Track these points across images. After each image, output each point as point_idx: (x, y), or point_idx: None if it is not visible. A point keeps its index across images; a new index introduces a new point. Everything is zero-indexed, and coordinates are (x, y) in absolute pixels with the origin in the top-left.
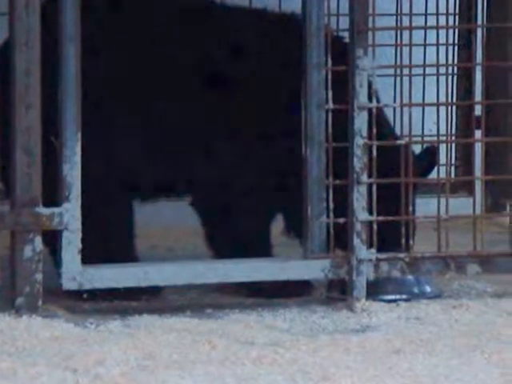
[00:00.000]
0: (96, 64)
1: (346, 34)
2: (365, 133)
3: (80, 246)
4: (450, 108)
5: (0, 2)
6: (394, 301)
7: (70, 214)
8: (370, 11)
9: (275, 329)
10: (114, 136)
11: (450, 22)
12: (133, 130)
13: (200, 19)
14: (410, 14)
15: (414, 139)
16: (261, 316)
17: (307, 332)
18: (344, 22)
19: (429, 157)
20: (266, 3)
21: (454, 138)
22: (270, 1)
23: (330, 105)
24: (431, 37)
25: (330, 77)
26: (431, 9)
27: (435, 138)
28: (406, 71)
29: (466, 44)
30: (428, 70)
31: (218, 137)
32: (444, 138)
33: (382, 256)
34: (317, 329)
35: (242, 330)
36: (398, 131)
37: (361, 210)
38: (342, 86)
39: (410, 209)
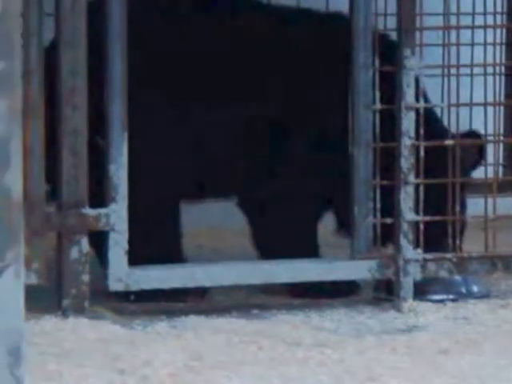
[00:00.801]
0: (147, 65)
1: (393, 34)
2: (412, 133)
3: (126, 246)
4: (497, 107)
5: (46, 2)
6: (441, 301)
7: (117, 215)
8: (418, 11)
9: (322, 329)
10: (162, 136)
11: (498, 21)
12: (181, 130)
13: (250, 20)
14: (458, 14)
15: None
16: (307, 317)
17: (354, 332)
18: (391, 22)
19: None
20: (312, 3)
21: (501, 137)
22: (317, 1)
23: (378, 105)
24: (479, 36)
25: (377, 77)
26: (479, 8)
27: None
28: (453, 71)
29: None
30: (475, 70)
31: (266, 137)
32: (491, 138)
33: (429, 256)
34: (363, 329)
35: (289, 331)
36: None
37: (407, 210)
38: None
39: (458, 209)
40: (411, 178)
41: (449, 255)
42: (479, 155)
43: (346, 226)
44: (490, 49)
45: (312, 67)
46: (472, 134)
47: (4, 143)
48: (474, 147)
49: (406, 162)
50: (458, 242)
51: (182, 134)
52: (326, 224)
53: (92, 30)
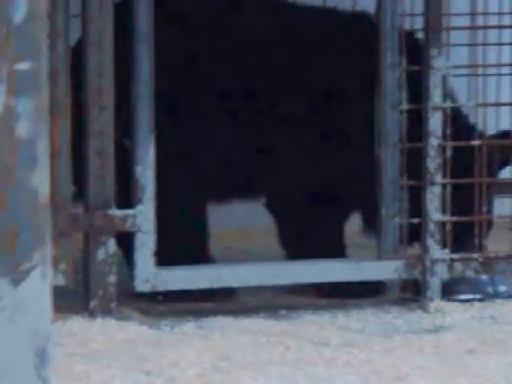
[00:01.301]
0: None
1: (420, 34)
2: (439, 133)
3: (153, 247)
4: None
5: (73, 3)
6: (468, 301)
7: (144, 216)
8: (445, 11)
9: (349, 329)
10: (189, 137)
11: None
12: (208, 131)
13: (274, 19)
14: (485, 13)
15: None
16: (334, 317)
17: (381, 332)
18: (418, 22)
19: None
20: (339, 2)
21: None
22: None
23: (405, 105)
24: (505, 36)
25: (404, 77)
26: (506, 8)
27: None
28: (480, 71)
29: None
30: (502, 70)
31: (293, 137)
32: None
33: (456, 256)
34: (390, 329)
35: (316, 331)
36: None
37: (434, 210)
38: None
39: (484, 208)
40: (438, 178)
41: (475, 255)
42: (508, 156)
43: (372, 226)
44: None
45: (336, 66)
46: (505, 135)
47: (31, 144)
48: (503, 147)
49: (433, 162)
50: (483, 241)
51: (209, 133)
52: (353, 224)
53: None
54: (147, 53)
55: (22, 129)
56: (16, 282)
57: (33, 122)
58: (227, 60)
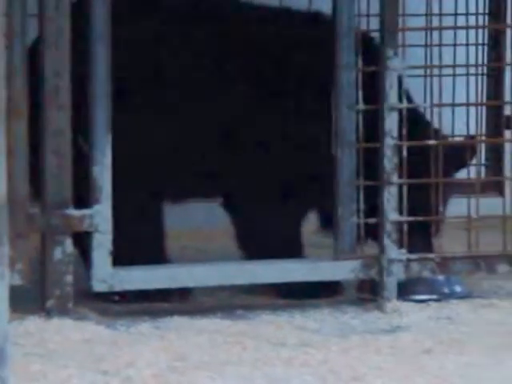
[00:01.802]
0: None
1: (376, 35)
2: (395, 133)
3: (110, 247)
4: (479, 108)
5: (30, 3)
6: (425, 301)
7: (101, 216)
8: (400, 11)
9: (306, 330)
10: (143, 136)
11: (480, 22)
12: (163, 131)
13: (230, 21)
14: (440, 14)
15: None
16: (291, 317)
17: (338, 332)
18: (374, 23)
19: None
20: (295, 3)
21: (483, 138)
22: (299, 1)
23: (361, 105)
24: (461, 37)
25: (360, 77)
26: (461, 9)
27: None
28: (435, 71)
29: (495, 44)
30: (458, 70)
31: (249, 137)
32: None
33: (413, 256)
34: (347, 329)
35: (273, 331)
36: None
37: (391, 210)
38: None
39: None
40: (394, 178)
41: (432, 255)
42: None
43: (329, 224)
44: (472, 49)
45: (294, 68)
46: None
47: None
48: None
49: (390, 162)
50: (438, 242)
51: (164, 133)
52: (310, 224)
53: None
54: (104, 52)
55: None
56: None
57: None
58: (185, 57)
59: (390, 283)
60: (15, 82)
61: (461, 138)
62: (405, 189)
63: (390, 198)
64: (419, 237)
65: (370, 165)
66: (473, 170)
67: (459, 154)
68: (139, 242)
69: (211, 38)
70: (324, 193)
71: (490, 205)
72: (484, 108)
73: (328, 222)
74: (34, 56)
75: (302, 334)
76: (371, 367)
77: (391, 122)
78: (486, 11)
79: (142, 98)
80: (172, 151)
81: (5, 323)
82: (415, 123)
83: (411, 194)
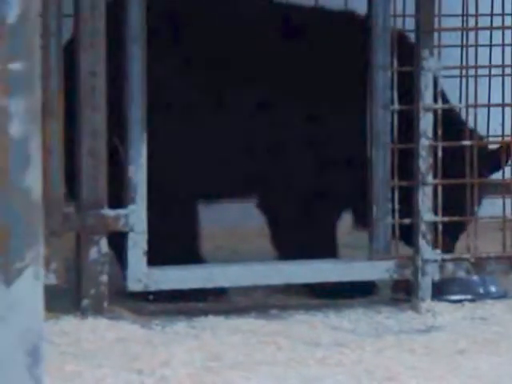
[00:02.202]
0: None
1: (411, 35)
2: (430, 134)
3: (145, 247)
4: None
5: (65, 3)
6: (459, 301)
7: (136, 216)
8: (436, 12)
9: (340, 329)
10: (180, 137)
11: None
12: (200, 131)
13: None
14: (476, 15)
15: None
16: (326, 317)
17: (372, 332)
18: (410, 23)
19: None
20: (331, 3)
21: None
22: (335, 1)
23: (396, 106)
24: (497, 37)
25: (395, 78)
26: (497, 9)
27: (500, 139)
28: (471, 72)
29: None
30: (493, 71)
31: (285, 137)
32: (509, 139)
33: (448, 256)
34: (382, 329)
35: (307, 331)
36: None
37: (426, 210)
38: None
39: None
40: (429, 178)
41: (467, 255)
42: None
43: (363, 224)
44: (508, 50)
45: (333, 69)
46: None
47: (24, 144)
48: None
49: (424, 162)
50: (471, 242)
51: (201, 133)
52: (345, 225)
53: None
54: (139, 52)
55: (15, 129)
56: (9, 281)
57: (25, 122)
58: (217, 60)
59: (425, 283)
60: (51, 82)
61: (496, 139)
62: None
63: (424, 199)
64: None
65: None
66: (508, 171)
67: (494, 157)
68: (174, 241)
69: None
70: (358, 193)
71: None
72: None
73: (362, 223)
74: (69, 56)
75: (336, 334)
76: (406, 367)
77: (426, 123)
78: None
79: (182, 100)
80: (208, 150)
81: (40, 322)
82: (450, 124)
83: (445, 195)
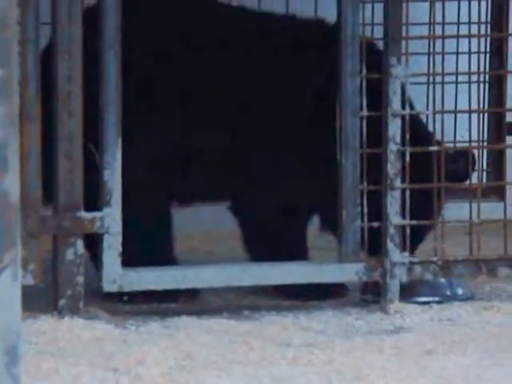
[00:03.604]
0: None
1: (380, 43)
2: (398, 139)
3: (120, 249)
4: (481, 115)
5: (43, 11)
6: (427, 303)
7: (111, 218)
8: (404, 20)
9: (311, 330)
10: (153, 140)
11: (482, 31)
12: (173, 136)
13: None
14: (443, 23)
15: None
16: (297, 318)
17: (342, 333)
18: (378, 31)
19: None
20: (300, 11)
21: (485, 143)
22: (305, 9)
23: (365, 112)
24: (463, 45)
25: (364, 85)
26: (463, 18)
27: (467, 144)
28: (438, 79)
29: (496, 52)
30: (460, 78)
31: (257, 143)
32: (476, 144)
33: (415, 259)
34: (351, 330)
35: (279, 332)
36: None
37: (394, 214)
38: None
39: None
40: (397, 183)
41: (434, 258)
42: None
43: (330, 227)
44: (474, 57)
45: (299, 76)
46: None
47: (2, 148)
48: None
49: (392, 167)
50: (438, 245)
51: (174, 138)
52: (315, 227)
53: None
54: (114, 58)
55: None
56: None
57: (4, 127)
58: (199, 69)
59: (393, 285)
60: (29, 87)
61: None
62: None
63: (393, 202)
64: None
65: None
66: (475, 176)
67: (457, 169)
68: (149, 243)
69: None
70: (327, 197)
71: (490, 209)
72: (486, 115)
73: (328, 226)
74: (46, 62)
75: (306, 335)
76: (374, 367)
77: (394, 128)
78: (488, 20)
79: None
80: (181, 154)
81: (18, 322)
82: (412, 129)
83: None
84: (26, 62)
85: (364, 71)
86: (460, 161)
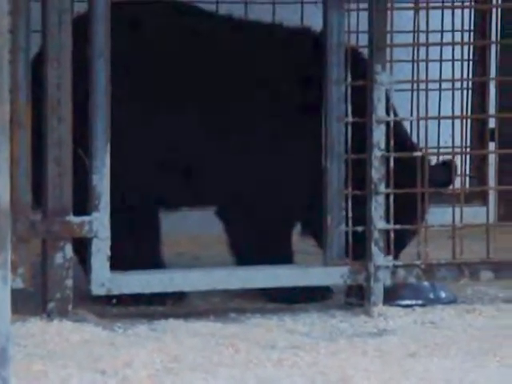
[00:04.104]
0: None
1: (365, 51)
2: (383, 145)
3: (109, 253)
4: (464, 121)
5: (33, 19)
6: (410, 306)
7: (100, 223)
8: (388, 28)
9: (296, 333)
10: (139, 146)
11: (465, 39)
12: (158, 140)
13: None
14: (427, 31)
15: (430, 151)
16: (282, 320)
17: (326, 336)
18: (363, 39)
19: (446, 171)
20: (287, 19)
21: (468, 149)
22: (291, 17)
23: (350, 118)
24: (447, 53)
25: (349, 91)
26: (447, 26)
27: (450, 150)
28: (422, 86)
29: (479, 59)
30: (444, 85)
31: (242, 149)
32: (459, 150)
33: (399, 263)
34: (336, 332)
35: (264, 334)
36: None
37: (378, 218)
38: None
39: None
40: (382, 188)
41: (418, 262)
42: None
43: (309, 232)
44: (457, 65)
45: (286, 81)
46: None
47: None
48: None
49: (377, 172)
50: (422, 249)
51: (159, 142)
52: (297, 232)
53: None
54: (104, 66)
55: None
56: None
57: None
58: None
59: (377, 289)
60: (19, 94)
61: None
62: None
63: (377, 207)
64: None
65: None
66: (458, 181)
67: (438, 177)
68: (137, 247)
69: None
70: (309, 204)
71: (473, 214)
72: (469, 121)
73: (308, 231)
74: (36, 70)
75: (291, 337)
76: (358, 369)
77: (379, 134)
78: (471, 28)
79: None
80: (169, 159)
81: (7, 325)
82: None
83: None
84: (16, 69)
85: (349, 79)
86: (442, 170)
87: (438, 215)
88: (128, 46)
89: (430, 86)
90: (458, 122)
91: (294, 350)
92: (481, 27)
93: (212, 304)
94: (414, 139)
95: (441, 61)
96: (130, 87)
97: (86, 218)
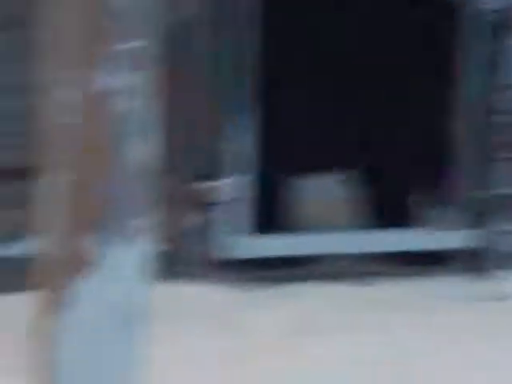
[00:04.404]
0: None
1: None
2: None
3: (247, 216)
4: None
5: None
6: None
7: (238, 186)
8: None
9: (428, 295)
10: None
11: None
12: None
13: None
14: None
15: None
16: (414, 284)
17: (459, 298)
18: None
19: None
20: None
21: None
22: None
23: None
24: None
25: None
26: None
27: None
28: None
29: None
30: None
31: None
32: None
33: None
34: (465, 296)
35: (395, 297)
36: None
37: (501, 184)
38: None
39: None
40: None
41: None
42: None
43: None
44: None
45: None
46: None
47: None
48: None
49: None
50: None
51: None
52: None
53: None
54: None
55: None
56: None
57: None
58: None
59: (499, 253)
60: None
61: None
62: None
63: (499, 173)
64: None
65: None
66: None
67: None
68: (274, 212)
69: None
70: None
71: None
72: None
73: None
74: None
75: (424, 299)
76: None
77: None
78: None
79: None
80: (316, 127)
81: (147, 287)
82: None
83: None
84: None
85: None
86: None
87: None
88: None
89: None
90: None
91: (427, 312)
92: None
93: (343, 267)
94: None
95: None
96: None
97: (224, 182)
